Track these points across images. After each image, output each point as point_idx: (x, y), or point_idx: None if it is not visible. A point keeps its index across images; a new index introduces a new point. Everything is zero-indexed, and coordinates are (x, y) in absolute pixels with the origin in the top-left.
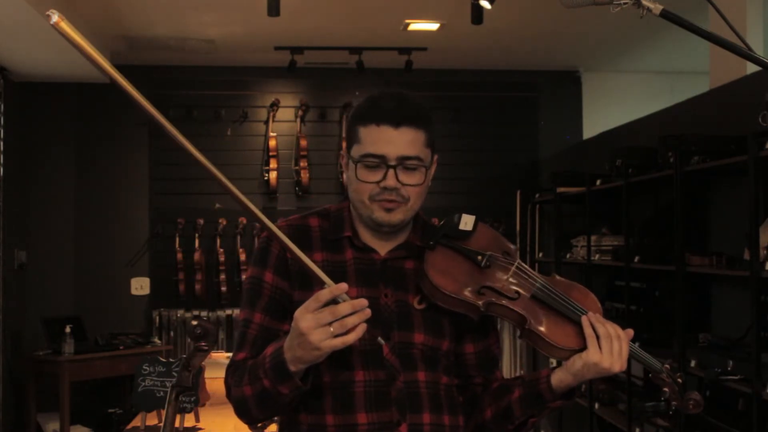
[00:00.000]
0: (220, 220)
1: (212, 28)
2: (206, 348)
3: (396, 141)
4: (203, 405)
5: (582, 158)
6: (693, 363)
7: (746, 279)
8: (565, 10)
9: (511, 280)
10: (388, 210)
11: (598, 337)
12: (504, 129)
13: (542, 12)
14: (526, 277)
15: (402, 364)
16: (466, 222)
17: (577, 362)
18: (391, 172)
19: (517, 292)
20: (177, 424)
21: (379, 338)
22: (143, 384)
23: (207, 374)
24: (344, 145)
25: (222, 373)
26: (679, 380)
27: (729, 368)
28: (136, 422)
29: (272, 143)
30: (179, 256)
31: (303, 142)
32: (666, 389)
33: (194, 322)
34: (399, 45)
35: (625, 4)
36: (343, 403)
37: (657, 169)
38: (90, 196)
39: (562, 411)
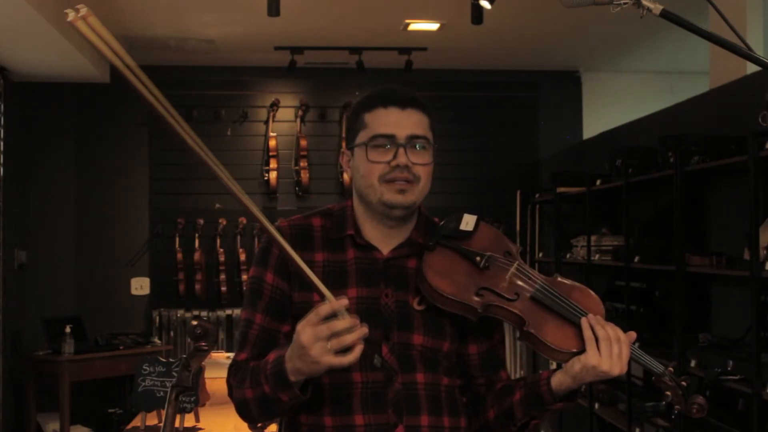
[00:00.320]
0: (220, 220)
1: (212, 28)
2: (206, 348)
3: (404, 121)
4: (203, 405)
5: (582, 158)
6: (693, 363)
7: (746, 279)
8: (565, 10)
9: (510, 281)
10: (401, 191)
11: (597, 340)
12: (504, 129)
13: (542, 12)
14: (527, 277)
15: (400, 365)
16: (467, 222)
17: (576, 365)
18: (401, 150)
19: (516, 293)
20: (177, 424)
21: (376, 359)
22: (143, 384)
23: (207, 374)
24: (344, 144)
25: (222, 373)
26: (683, 384)
27: (729, 368)
28: (136, 422)
29: (272, 143)
30: (179, 256)
31: (303, 142)
32: (668, 393)
33: (194, 322)
34: (399, 45)
35: (625, 4)
36: (341, 405)
37: (657, 169)
38: (90, 196)
39: (562, 411)
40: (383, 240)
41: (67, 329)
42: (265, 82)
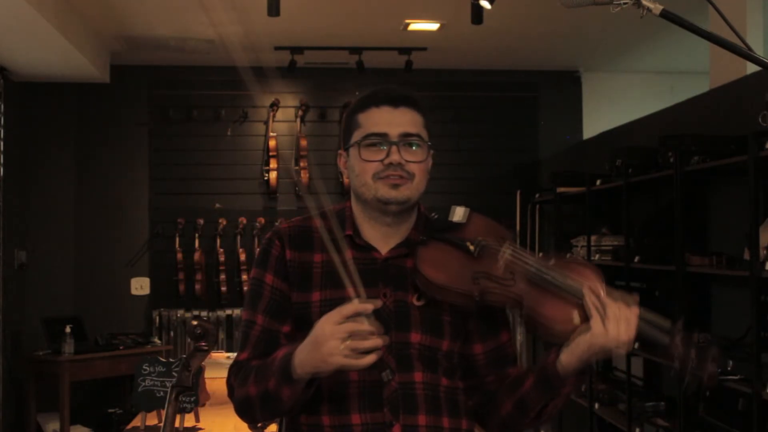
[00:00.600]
0: (220, 220)
1: (212, 28)
2: (206, 348)
3: (396, 119)
4: (203, 405)
5: (582, 158)
6: None
7: (746, 279)
8: (565, 10)
9: (505, 264)
10: (395, 186)
11: (602, 317)
12: (504, 129)
13: (542, 12)
14: (521, 259)
15: (398, 364)
16: (458, 214)
17: (581, 344)
18: (394, 148)
19: (512, 276)
20: (177, 424)
21: (384, 374)
22: (143, 384)
23: (207, 374)
24: (341, 146)
25: (222, 373)
26: (700, 342)
27: (729, 368)
28: (136, 422)
29: (272, 143)
30: (179, 256)
31: (303, 142)
32: (676, 363)
33: (194, 322)
34: (399, 45)
35: (625, 4)
36: (338, 404)
37: (657, 169)
38: (90, 196)
39: (562, 411)
40: (381, 240)
41: (67, 329)
42: (265, 82)
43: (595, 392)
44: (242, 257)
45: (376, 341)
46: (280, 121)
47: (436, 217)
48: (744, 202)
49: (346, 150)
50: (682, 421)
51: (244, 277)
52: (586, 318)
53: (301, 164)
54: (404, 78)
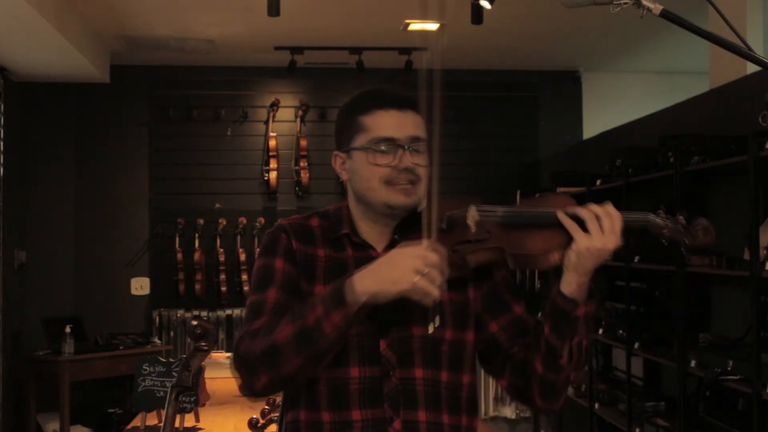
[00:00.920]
0: (220, 220)
1: (212, 28)
2: (206, 348)
3: (404, 123)
4: (203, 405)
5: (582, 158)
6: (693, 363)
7: (746, 279)
8: (565, 10)
9: (475, 225)
10: (406, 192)
11: (582, 222)
12: (504, 129)
13: (542, 12)
14: (488, 213)
15: (399, 360)
16: (421, 204)
17: (571, 257)
18: (405, 153)
19: (486, 231)
20: (177, 424)
21: (430, 325)
22: (143, 384)
23: (207, 374)
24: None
25: (222, 374)
26: (681, 219)
27: (729, 368)
28: (136, 422)
29: (272, 143)
30: (179, 256)
31: (303, 142)
32: (665, 231)
33: (194, 322)
34: (399, 45)
35: (625, 4)
36: (338, 400)
37: (657, 169)
38: (90, 196)
39: (562, 411)
40: (378, 238)
41: (67, 329)
42: (265, 82)
43: (595, 392)
44: (242, 257)
45: (438, 291)
46: (280, 121)
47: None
48: (744, 202)
49: (346, 152)
50: (682, 421)
51: (244, 277)
52: (568, 236)
53: (301, 164)
54: (404, 78)
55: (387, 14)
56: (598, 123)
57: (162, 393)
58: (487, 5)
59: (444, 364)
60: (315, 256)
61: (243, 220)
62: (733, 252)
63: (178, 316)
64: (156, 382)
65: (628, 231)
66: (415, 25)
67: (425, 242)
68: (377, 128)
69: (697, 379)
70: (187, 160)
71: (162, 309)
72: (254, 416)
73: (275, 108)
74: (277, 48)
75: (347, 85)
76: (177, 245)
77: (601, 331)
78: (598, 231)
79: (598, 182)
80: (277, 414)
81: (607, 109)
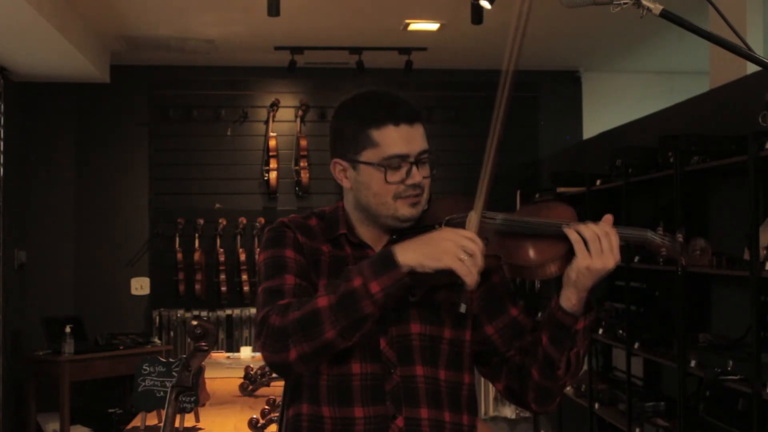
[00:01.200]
0: (220, 220)
1: (212, 28)
2: (206, 348)
3: (414, 138)
4: (203, 405)
5: (582, 158)
6: (693, 363)
7: (746, 279)
8: (565, 10)
9: (474, 230)
10: (414, 204)
11: (585, 241)
12: (504, 129)
13: (542, 12)
14: (488, 220)
15: (399, 358)
16: None
17: (571, 274)
18: (414, 168)
19: (484, 238)
20: (177, 424)
21: (462, 306)
22: (143, 384)
23: (207, 374)
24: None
25: (222, 374)
26: (679, 237)
27: (729, 368)
28: (136, 422)
29: (272, 143)
30: (179, 256)
31: (303, 142)
32: (663, 250)
33: (194, 322)
34: (399, 45)
35: (625, 4)
36: (339, 396)
37: (657, 169)
38: (90, 196)
39: (561, 411)
40: (374, 239)
41: (67, 329)
42: (265, 82)
43: (595, 392)
44: (242, 257)
45: (477, 275)
46: (280, 121)
47: None
48: (744, 202)
49: (351, 162)
50: (682, 421)
51: (244, 277)
52: (567, 249)
53: (301, 164)
54: (404, 78)
55: (387, 14)
56: (598, 123)
57: (162, 393)
58: (487, 5)
59: (442, 363)
60: (320, 250)
61: (243, 220)
62: (733, 252)
63: (178, 316)
64: (156, 382)
65: (626, 246)
66: (415, 25)
67: (468, 231)
68: (389, 145)
69: (697, 379)
70: (187, 160)
71: (162, 309)
72: (254, 416)
73: (275, 108)
74: (277, 48)
75: (347, 85)
76: (177, 245)
77: (601, 331)
78: (599, 251)
79: (598, 182)
80: (277, 414)
81: (607, 109)
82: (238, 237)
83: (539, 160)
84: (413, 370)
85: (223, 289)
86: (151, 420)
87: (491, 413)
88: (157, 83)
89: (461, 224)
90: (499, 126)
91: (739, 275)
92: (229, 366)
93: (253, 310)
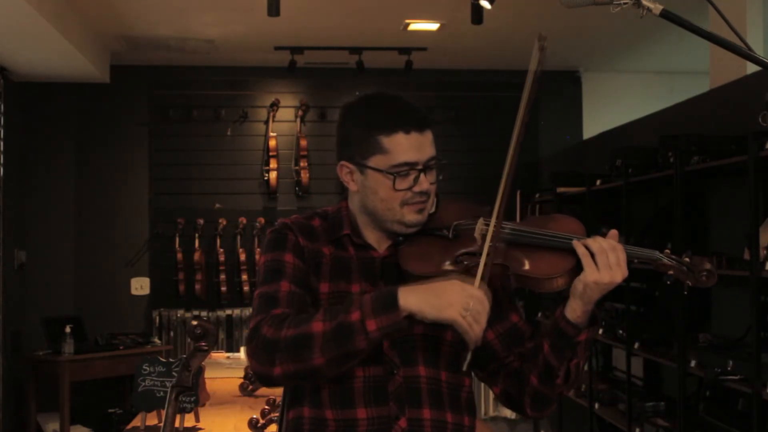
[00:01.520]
0: (220, 220)
1: (212, 28)
2: (206, 348)
3: (424, 146)
4: (203, 405)
5: (582, 158)
6: (693, 363)
7: (746, 279)
8: (565, 10)
9: (482, 238)
10: (421, 210)
11: (592, 255)
12: (504, 129)
13: (542, 12)
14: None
15: (401, 359)
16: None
17: (578, 285)
18: (423, 176)
19: (492, 246)
20: (177, 424)
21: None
22: (143, 384)
23: (207, 374)
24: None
25: (222, 374)
26: (686, 259)
27: (729, 368)
28: (136, 422)
29: (272, 143)
30: (179, 256)
31: (303, 142)
32: (671, 272)
33: (194, 322)
34: (399, 45)
35: (625, 4)
36: (342, 398)
37: (657, 169)
38: (90, 196)
39: (562, 411)
40: (378, 240)
41: (67, 329)
42: (265, 82)
43: (595, 392)
44: (242, 257)
45: (479, 332)
46: (280, 121)
47: None
48: (744, 202)
49: (358, 166)
50: (682, 421)
51: (244, 277)
52: (575, 263)
53: (301, 164)
54: (404, 78)
55: (387, 14)
56: (598, 123)
57: (162, 393)
58: (487, 5)
59: (443, 365)
60: (321, 253)
61: (243, 220)
62: (733, 252)
63: (178, 316)
64: (156, 382)
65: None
66: (415, 25)
67: (477, 282)
68: (399, 153)
69: (697, 379)
70: (187, 160)
71: (162, 309)
72: (254, 416)
73: (275, 108)
74: (277, 48)
75: (347, 85)
76: (177, 245)
77: (601, 331)
78: (606, 265)
79: (598, 182)
80: (277, 414)
81: (607, 109)
82: (238, 237)
83: (539, 160)
84: (416, 370)
85: (223, 289)
86: (151, 420)
87: (491, 413)
88: (157, 83)
89: (470, 230)
90: (514, 152)
91: (739, 275)
92: (229, 366)
93: None
